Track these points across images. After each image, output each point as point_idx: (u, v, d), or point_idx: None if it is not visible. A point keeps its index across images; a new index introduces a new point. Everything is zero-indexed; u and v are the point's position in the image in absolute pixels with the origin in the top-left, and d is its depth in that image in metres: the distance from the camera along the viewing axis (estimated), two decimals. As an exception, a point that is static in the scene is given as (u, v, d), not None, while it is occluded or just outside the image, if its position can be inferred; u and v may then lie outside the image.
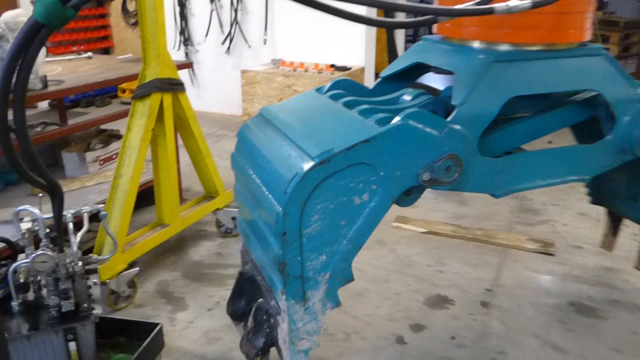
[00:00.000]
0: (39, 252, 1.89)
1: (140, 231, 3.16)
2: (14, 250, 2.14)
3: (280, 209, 1.57)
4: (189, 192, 4.49)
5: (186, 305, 3.03)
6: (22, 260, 2.00)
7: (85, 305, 2.04)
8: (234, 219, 3.78)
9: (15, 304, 2.03)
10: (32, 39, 1.26)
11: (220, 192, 3.67)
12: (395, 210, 4.30)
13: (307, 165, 1.59)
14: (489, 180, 1.87)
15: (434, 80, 6.77)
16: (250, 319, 1.91)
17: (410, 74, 2.43)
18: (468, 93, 1.80)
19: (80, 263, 2.04)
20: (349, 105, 1.97)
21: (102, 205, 2.27)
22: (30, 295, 2.12)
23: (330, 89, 2.26)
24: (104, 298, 2.81)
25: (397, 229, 3.98)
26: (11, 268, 1.97)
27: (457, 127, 1.77)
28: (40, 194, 2.04)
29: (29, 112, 6.61)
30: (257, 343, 1.86)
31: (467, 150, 1.84)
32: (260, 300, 1.89)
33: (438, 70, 2.35)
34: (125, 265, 2.90)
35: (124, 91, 7.79)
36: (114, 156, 4.16)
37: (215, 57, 7.03)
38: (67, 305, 1.99)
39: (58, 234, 1.91)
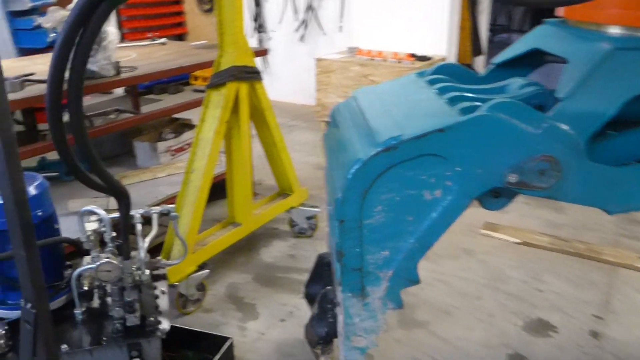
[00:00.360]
0: (104, 260, 1.68)
1: (211, 230, 2.95)
2: (79, 250, 1.95)
3: (340, 194, 1.48)
4: (261, 186, 4.27)
5: (257, 314, 2.79)
6: (86, 265, 1.80)
7: (151, 318, 1.83)
8: (308, 218, 3.51)
9: (78, 312, 1.85)
10: (89, 13, 1.02)
11: (295, 190, 3.41)
12: (483, 214, 3.93)
13: (371, 151, 1.47)
14: (600, 192, 1.58)
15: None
16: (316, 306, 1.86)
17: (530, 61, 2.06)
18: (577, 85, 1.53)
19: (147, 272, 1.82)
20: (443, 91, 1.78)
21: (173, 205, 2.05)
22: (96, 302, 1.93)
23: (432, 73, 2.02)
24: (172, 301, 2.61)
25: (485, 237, 3.59)
26: (75, 274, 1.78)
27: (560, 124, 1.50)
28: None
29: (102, 98, 6.65)
30: (319, 331, 1.82)
31: (570, 153, 1.52)
32: (328, 287, 1.80)
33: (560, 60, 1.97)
34: (194, 267, 2.69)
35: (196, 78, 7.72)
36: (186, 146, 3.99)
37: (289, 44, 6.79)
38: (133, 319, 1.78)
39: (124, 241, 1.70)
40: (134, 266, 1.82)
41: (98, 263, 1.68)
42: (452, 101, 1.64)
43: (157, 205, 3.17)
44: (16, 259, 1.19)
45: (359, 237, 1.51)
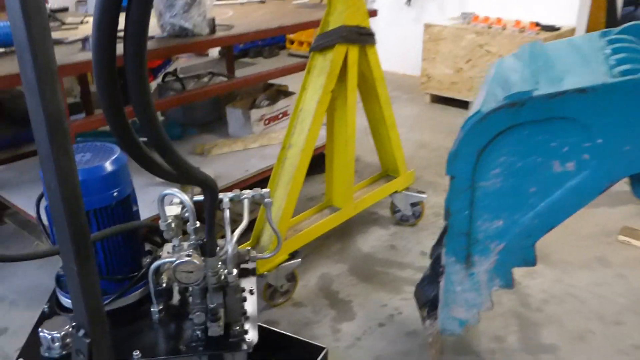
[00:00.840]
0: (184, 259, 1.37)
1: (305, 214, 2.61)
2: (160, 237, 1.66)
3: (454, 147, 1.40)
4: (359, 162, 3.87)
5: (353, 314, 2.43)
6: (166, 257, 1.50)
7: (237, 328, 1.51)
8: (413, 205, 3.09)
9: (155, 310, 1.56)
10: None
11: (401, 172, 2.98)
12: (620, 215, 3.29)
13: (494, 104, 1.33)
14: None
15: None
16: (429, 266, 1.82)
17: None
18: None
19: (235, 271, 1.49)
20: (616, 51, 1.49)
21: (267, 190, 1.69)
22: (175, 297, 1.64)
23: (617, 32, 1.67)
24: (259, 292, 2.30)
25: (624, 245, 3.00)
26: (153, 267, 1.48)
27: None
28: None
29: (195, 61, 6.46)
30: (428, 292, 1.77)
31: None
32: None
33: None
34: (286, 256, 2.36)
35: (292, 42, 7.38)
36: (281, 115, 3.65)
37: (393, 7, 6.25)
38: (215, 329, 1.46)
39: (208, 239, 1.37)
40: (219, 264, 1.49)
41: (177, 262, 1.36)
42: (619, 63, 1.39)
43: (247, 181, 2.88)
44: (66, 273, 0.87)
45: (470, 198, 1.40)
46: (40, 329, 1.46)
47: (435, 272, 1.69)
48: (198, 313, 1.51)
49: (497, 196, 1.41)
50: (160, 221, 1.50)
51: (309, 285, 2.63)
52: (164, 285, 1.53)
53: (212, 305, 1.46)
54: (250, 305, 1.65)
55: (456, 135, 1.44)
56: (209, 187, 1.36)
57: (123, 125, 0.96)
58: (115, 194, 1.52)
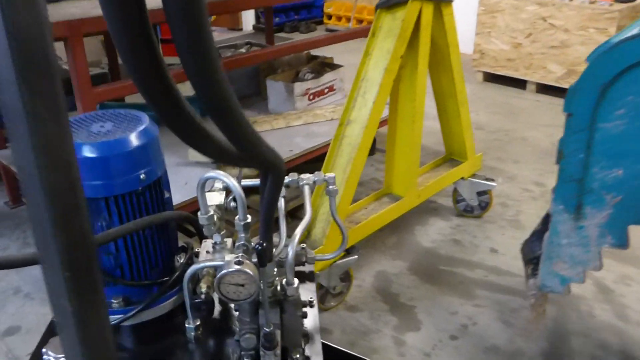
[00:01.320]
0: (232, 268, 1.00)
1: (361, 202, 2.23)
2: (198, 233, 1.31)
3: (576, 82, 1.25)
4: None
5: (418, 322, 2.05)
6: (205, 260, 1.14)
7: (297, 356, 1.14)
8: (480, 194, 2.67)
9: (191, 327, 1.20)
10: None
11: (469, 156, 2.56)
12: None
13: (627, 34, 1.16)
14: None
15: None
16: (540, 220, 1.70)
17: None
18: None
19: (296, 282, 1.12)
20: None
21: (332, 175, 1.32)
22: (217, 308, 1.29)
23: None
24: (309, 294, 1.92)
25: None
26: (188, 273, 1.13)
27: None
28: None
29: (229, 35, 6.10)
30: (535, 248, 1.62)
31: None
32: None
33: None
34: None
35: (330, 17, 6.93)
36: (326, 90, 3.26)
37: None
38: (271, 359, 1.10)
39: (266, 243, 1.00)
40: (275, 272, 1.12)
41: (223, 272, 0.99)
42: None
43: (291, 162, 2.50)
44: (54, 313, 0.50)
45: (587, 141, 1.28)
46: (44, 350, 1.12)
47: (545, 227, 1.51)
48: (247, 335, 1.14)
49: (619, 140, 1.27)
50: (199, 213, 1.13)
51: (364, 286, 2.25)
52: (203, 295, 1.16)
53: (267, 330, 1.09)
54: (312, 321, 1.28)
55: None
56: (276, 170, 0.98)
57: (160, 74, 0.58)
58: (142, 176, 1.15)
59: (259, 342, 1.13)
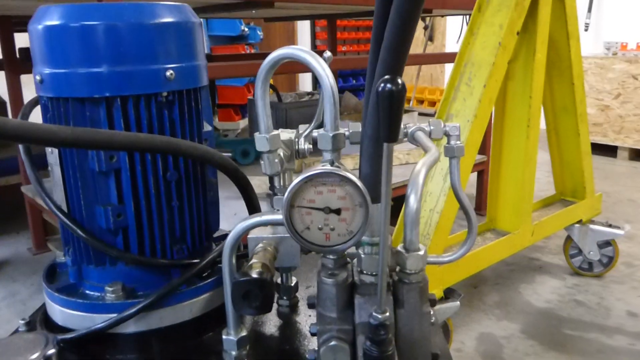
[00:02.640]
0: (321, 169, 0.49)
1: (460, 234, 1.72)
2: (247, 199, 0.82)
3: None
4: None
5: (553, 401, 1.41)
6: (262, 217, 0.65)
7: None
8: (601, 245, 2.08)
9: (232, 338, 0.70)
10: None
11: (588, 194, 2.01)
12: None
13: None
14: None
15: None
16: None
17: None
18: None
19: (422, 250, 0.59)
20: None
21: (456, 125, 0.83)
22: (283, 301, 0.78)
23: None
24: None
25: None
26: (231, 238, 0.64)
27: None
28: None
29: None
30: None
31: None
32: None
33: None
34: (440, 291, 1.43)
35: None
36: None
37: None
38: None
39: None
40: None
41: (305, 177, 0.50)
42: None
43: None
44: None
45: None
46: None
47: None
48: (333, 343, 0.62)
49: None
50: (258, 117, 0.67)
51: (465, 350, 1.65)
52: (255, 274, 0.64)
53: (379, 317, 0.57)
54: (439, 342, 0.74)
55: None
56: None
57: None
58: (169, 72, 0.71)
59: (354, 352, 0.61)
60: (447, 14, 3.09)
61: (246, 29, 5.07)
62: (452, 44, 5.71)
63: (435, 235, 1.43)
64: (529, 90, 1.64)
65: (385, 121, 0.43)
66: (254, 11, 1.88)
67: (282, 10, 2.26)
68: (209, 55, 3.51)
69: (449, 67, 5.83)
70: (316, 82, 5.40)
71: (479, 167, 2.67)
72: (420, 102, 6.99)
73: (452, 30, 5.64)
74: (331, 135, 0.63)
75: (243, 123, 4.88)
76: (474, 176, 2.83)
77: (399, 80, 0.42)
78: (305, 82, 6.10)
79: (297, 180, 0.53)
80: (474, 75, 1.51)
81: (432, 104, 6.74)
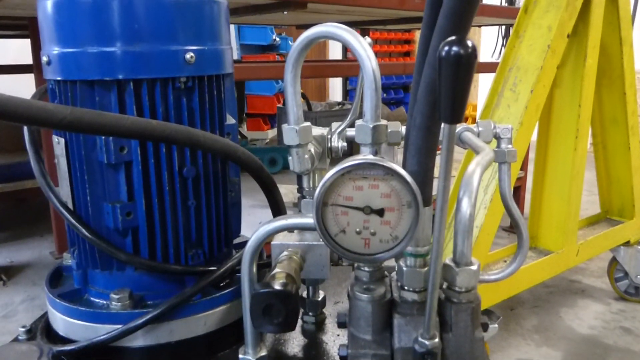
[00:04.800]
0: (361, 160, 0.40)
1: (499, 252, 1.59)
2: (271, 201, 0.73)
3: None
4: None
5: None
6: (287, 221, 0.56)
7: None
8: (653, 269, 1.93)
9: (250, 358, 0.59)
10: None
11: (637, 214, 1.87)
12: None
13: None
14: None
15: None
16: None
17: None
18: None
19: (475, 264, 0.49)
20: None
21: (508, 126, 0.74)
22: (309, 317, 0.68)
23: None
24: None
25: None
26: (252, 243, 0.55)
27: None
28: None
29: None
30: None
31: None
32: None
33: None
34: (478, 312, 1.29)
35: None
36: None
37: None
38: None
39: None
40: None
41: (341, 168, 0.41)
42: None
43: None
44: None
45: None
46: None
47: None
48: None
49: None
50: (288, 106, 0.59)
51: (502, 377, 1.52)
52: (278, 286, 0.55)
53: (426, 343, 0.47)
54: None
55: None
56: None
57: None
58: (189, 55, 0.63)
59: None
60: (484, 23, 2.98)
61: (277, 39, 5.05)
62: (487, 58, 5.59)
63: (474, 252, 1.32)
64: (578, 98, 1.53)
65: (448, 94, 0.34)
66: (285, 12, 1.81)
67: (314, 15, 2.20)
68: (238, 61, 3.49)
69: (483, 80, 5.69)
70: (347, 92, 5.34)
71: (517, 182, 2.54)
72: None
73: (487, 43, 5.52)
74: (371, 126, 0.54)
75: (272, 133, 4.85)
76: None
77: (468, 42, 0.33)
78: (335, 92, 6.04)
79: (332, 172, 0.45)
80: (520, 81, 1.41)
81: (464, 120, 6.60)
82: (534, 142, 1.72)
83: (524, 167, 2.54)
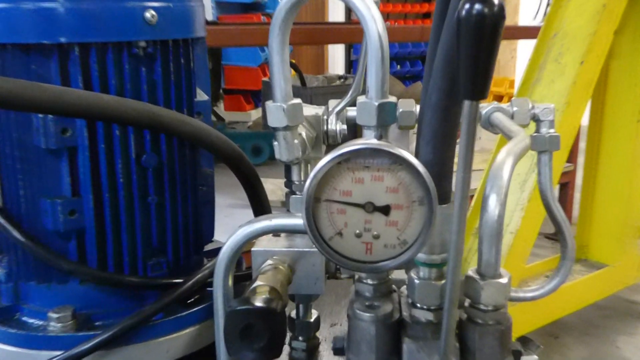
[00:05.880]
0: (363, 144, 0.43)
1: (539, 264, 1.70)
2: (251, 195, 0.77)
3: None
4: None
5: None
6: (273, 222, 0.58)
7: None
8: None
9: None
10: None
11: None
12: None
13: None
14: None
15: None
16: None
17: None
18: None
19: (506, 277, 0.52)
20: None
21: (550, 105, 0.78)
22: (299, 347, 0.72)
23: None
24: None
25: None
26: (226, 249, 0.59)
27: None
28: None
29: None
30: None
31: None
32: None
33: None
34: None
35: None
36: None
37: None
38: None
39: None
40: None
41: (342, 152, 0.43)
42: None
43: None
44: None
45: None
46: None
47: None
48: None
49: None
50: (272, 83, 0.61)
51: (543, 422, 1.56)
52: (260, 302, 0.56)
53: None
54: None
55: None
56: None
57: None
58: (149, 13, 0.65)
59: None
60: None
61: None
62: (527, 21, 5.63)
63: (507, 263, 1.38)
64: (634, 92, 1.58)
65: (469, 64, 0.36)
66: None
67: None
68: (214, 22, 3.51)
69: (524, 49, 5.72)
70: (350, 64, 5.36)
71: (563, 177, 2.58)
72: (499, 97, 6.90)
73: (528, 1, 5.55)
74: (376, 104, 0.56)
75: (255, 114, 4.87)
76: (555, 190, 2.74)
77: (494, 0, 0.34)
78: (336, 64, 6.05)
79: (326, 159, 0.46)
80: (567, 49, 1.45)
81: (499, 98, 6.64)
82: (584, 128, 1.74)
83: (572, 158, 2.57)
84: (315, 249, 0.53)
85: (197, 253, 0.77)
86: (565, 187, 2.75)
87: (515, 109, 0.78)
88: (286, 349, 0.76)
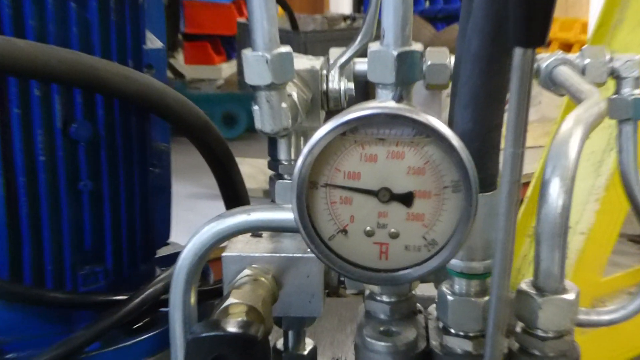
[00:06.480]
0: (380, 108, 0.45)
1: (619, 277, 1.86)
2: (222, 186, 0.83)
3: None
4: None
5: None
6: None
7: None
8: None
9: None
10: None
11: None
12: None
13: None
14: None
15: None
16: None
17: None
18: None
19: (574, 292, 0.57)
20: None
21: (635, 57, 0.83)
22: None
23: None
24: None
25: None
26: (187, 251, 0.62)
27: None
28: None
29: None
30: None
31: None
32: None
33: None
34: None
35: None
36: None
37: None
38: None
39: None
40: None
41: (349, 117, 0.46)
42: None
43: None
44: None
45: None
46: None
47: None
48: None
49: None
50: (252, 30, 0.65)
51: None
52: (237, 328, 0.59)
53: None
54: None
55: None
56: None
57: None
58: None
59: None
60: None
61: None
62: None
63: (575, 275, 1.44)
64: None
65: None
66: None
67: None
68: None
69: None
70: (360, 1, 5.41)
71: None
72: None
73: None
74: (395, 54, 0.58)
75: (229, 69, 4.92)
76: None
77: None
78: (340, 1, 6.14)
79: (324, 129, 0.47)
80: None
81: (566, 47, 6.73)
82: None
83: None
84: (311, 254, 0.56)
85: (147, 260, 0.81)
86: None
87: (587, 61, 0.82)
88: (270, 391, 0.78)
